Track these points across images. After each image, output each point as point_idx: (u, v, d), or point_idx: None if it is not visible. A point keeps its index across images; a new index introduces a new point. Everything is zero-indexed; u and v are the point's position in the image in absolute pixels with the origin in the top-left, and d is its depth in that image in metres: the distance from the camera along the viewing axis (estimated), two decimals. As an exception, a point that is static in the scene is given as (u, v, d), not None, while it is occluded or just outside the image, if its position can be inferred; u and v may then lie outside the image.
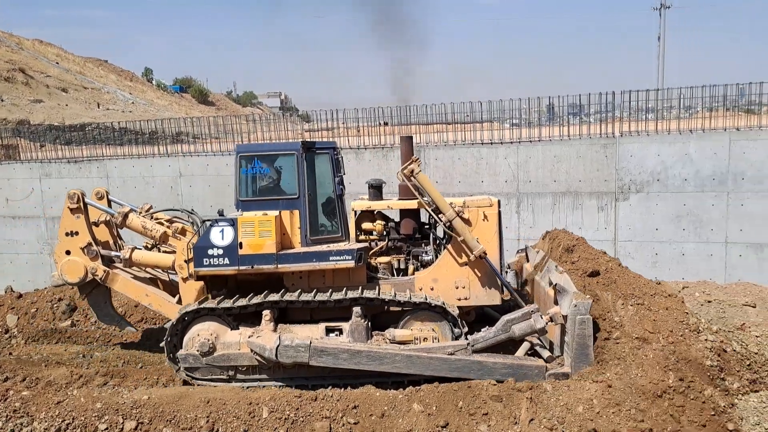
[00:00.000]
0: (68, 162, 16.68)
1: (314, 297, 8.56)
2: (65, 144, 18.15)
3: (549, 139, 14.17)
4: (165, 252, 9.66)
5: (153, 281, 9.97)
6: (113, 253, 9.57)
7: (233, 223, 8.54)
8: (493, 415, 6.93)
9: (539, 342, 8.42)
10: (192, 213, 9.82)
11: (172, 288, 9.86)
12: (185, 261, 8.91)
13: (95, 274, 9.34)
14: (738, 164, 12.73)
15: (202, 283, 8.94)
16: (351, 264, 8.59)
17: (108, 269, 9.41)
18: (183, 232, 9.45)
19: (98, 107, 43.26)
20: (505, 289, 9.13)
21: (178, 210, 10.26)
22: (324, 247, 8.77)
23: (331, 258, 8.58)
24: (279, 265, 8.54)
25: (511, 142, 14.14)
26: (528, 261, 10.30)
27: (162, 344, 8.53)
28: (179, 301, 9.15)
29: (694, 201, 13.03)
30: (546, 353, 8.15)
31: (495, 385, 7.33)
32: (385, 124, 15.99)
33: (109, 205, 9.89)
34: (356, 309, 8.45)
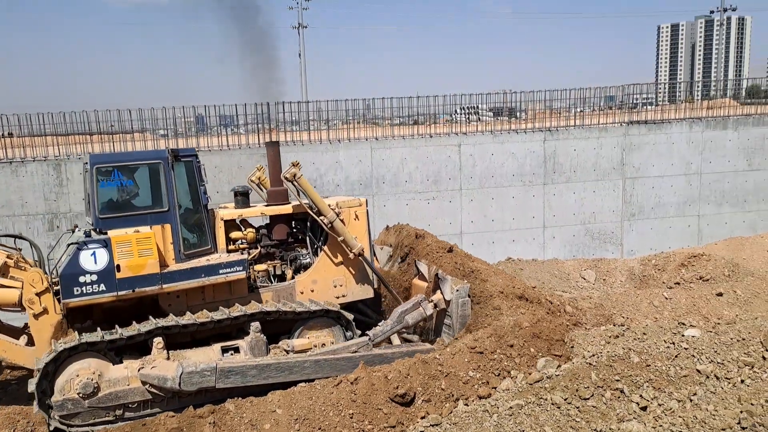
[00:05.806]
0: None
1: (219, 317, 8.01)
2: None
3: (208, 150, 14.03)
4: None
5: None
6: None
7: (106, 243, 7.51)
8: (176, 449, 6.41)
9: (404, 330, 9.05)
10: (21, 237, 8.51)
11: (2, 329, 8.44)
12: (36, 294, 7.61)
13: None
14: (379, 170, 14.42)
15: (59, 317, 7.75)
16: (243, 275, 8.33)
17: None
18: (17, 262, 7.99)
19: None
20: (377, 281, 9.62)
21: (3, 235, 8.72)
22: (204, 261, 8.24)
23: (221, 271, 8.18)
24: (164, 285, 7.82)
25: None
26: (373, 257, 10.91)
27: (31, 389, 7.19)
28: (29, 343, 7.92)
29: (345, 204, 14.22)
30: (415, 338, 9.19)
31: (173, 416, 6.89)
32: (10, 135, 13.83)
33: None
34: (255, 324, 8.15)
